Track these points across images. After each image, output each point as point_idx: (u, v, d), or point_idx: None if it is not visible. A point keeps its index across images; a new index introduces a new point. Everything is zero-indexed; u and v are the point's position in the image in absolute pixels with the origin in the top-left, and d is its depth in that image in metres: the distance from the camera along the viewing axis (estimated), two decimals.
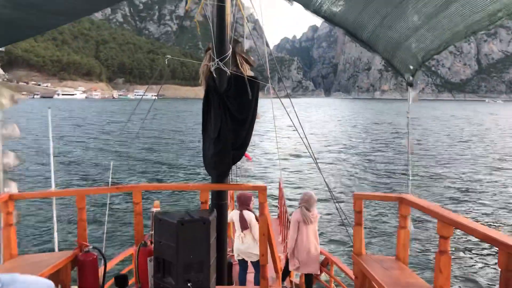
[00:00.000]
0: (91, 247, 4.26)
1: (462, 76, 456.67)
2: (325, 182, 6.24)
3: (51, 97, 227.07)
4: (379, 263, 3.93)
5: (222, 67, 4.45)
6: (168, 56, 5.60)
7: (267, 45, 5.43)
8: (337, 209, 5.88)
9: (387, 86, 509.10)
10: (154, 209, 4.59)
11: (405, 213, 3.98)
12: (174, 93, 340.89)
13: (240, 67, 4.64)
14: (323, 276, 6.73)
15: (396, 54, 4.28)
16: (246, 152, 6.36)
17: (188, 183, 19.76)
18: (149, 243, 4.24)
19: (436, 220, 3.14)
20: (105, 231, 5.62)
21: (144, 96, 7.25)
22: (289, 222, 6.78)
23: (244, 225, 6.06)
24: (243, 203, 6.13)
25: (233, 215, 6.27)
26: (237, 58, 4.66)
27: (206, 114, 4.69)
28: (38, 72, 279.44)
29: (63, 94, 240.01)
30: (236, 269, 6.76)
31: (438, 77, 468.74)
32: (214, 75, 4.49)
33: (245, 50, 4.82)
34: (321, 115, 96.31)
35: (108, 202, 8.60)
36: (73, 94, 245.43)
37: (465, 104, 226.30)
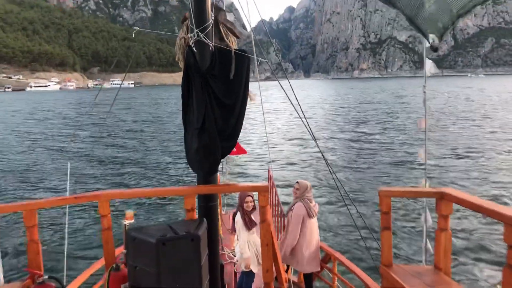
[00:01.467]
0: (46, 277, 3.41)
1: (439, 52, 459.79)
2: (329, 167, 5.41)
3: (23, 90, 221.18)
4: (417, 277, 3.24)
5: (204, 39, 3.65)
6: (136, 28, 4.88)
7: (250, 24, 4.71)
8: (344, 202, 5.98)
9: (365, 65, 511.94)
10: (127, 222, 3.79)
11: (446, 212, 3.29)
12: (151, 81, 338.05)
13: (225, 39, 3.84)
14: (325, 274, 6.14)
15: (423, 8, 3.36)
16: (239, 143, 6.16)
17: (168, 187, 16.82)
18: (122, 266, 3.39)
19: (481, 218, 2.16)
20: (65, 255, 4.62)
21: (121, 85, 6.51)
22: (283, 215, 6.46)
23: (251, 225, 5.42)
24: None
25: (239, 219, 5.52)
26: (221, 28, 3.88)
27: (186, 100, 3.85)
28: (8, 64, 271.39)
29: (35, 86, 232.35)
30: (228, 269, 6.22)
31: (416, 53, 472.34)
32: (194, 49, 3.68)
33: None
34: (305, 96, 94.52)
35: (67, 216, 7.35)
36: (46, 86, 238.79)
37: (447, 79, 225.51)
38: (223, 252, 6.55)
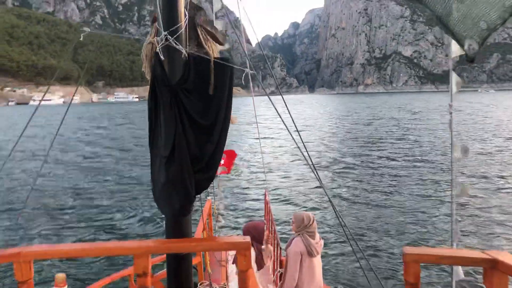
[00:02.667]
0: None
1: (444, 67, 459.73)
2: (330, 202, 4.13)
3: (27, 104, 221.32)
4: None
5: (174, 45, 2.92)
6: (86, 29, 3.63)
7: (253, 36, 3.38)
8: (347, 236, 4.82)
9: (370, 80, 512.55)
10: None
11: (500, 286, 2.44)
12: None
13: (203, 45, 3.06)
14: None
15: (460, 4, 2.35)
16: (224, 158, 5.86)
17: (114, 240, 12.49)
18: None
19: None
20: None
21: (125, 99, 4.42)
22: (279, 246, 6.13)
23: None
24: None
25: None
26: (199, 32, 3.09)
27: (153, 120, 3.09)
28: (13, 78, 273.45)
29: (39, 100, 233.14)
30: None
31: (421, 69, 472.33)
32: (161, 57, 2.95)
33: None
34: (310, 111, 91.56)
35: None
36: (49, 100, 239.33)
37: (458, 95, 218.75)
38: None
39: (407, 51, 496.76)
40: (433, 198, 16.25)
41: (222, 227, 9.87)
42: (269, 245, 5.26)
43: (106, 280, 5.17)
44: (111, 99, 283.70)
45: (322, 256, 5.04)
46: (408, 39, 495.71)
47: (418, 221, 13.47)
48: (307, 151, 3.88)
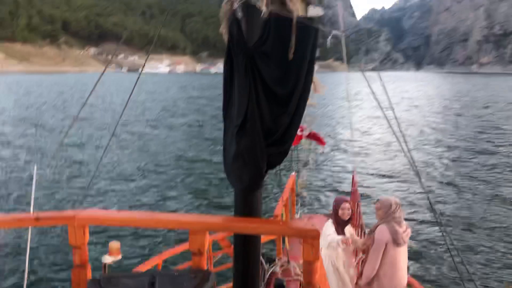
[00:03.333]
0: None
1: None
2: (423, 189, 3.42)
3: (137, 71, 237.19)
4: None
5: (253, 1, 2.71)
6: None
7: None
8: (441, 230, 4.40)
9: (487, 59, 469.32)
10: (109, 259, 3.00)
11: None
12: None
13: (287, 3, 2.64)
14: None
15: None
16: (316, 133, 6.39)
17: (175, 212, 12.20)
18: None
19: None
20: None
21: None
22: (363, 230, 5.96)
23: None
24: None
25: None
26: None
27: (228, 87, 2.94)
28: (126, 46, 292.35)
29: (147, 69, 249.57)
30: None
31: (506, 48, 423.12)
32: (239, 16, 2.76)
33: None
34: (416, 91, 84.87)
35: (28, 243, 3.97)
36: (157, 68, 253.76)
37: None
38: (288, 267, 5.48)
39: None
40: None
41: (305, 204, 9.35)
42: (355, 237, 5.06)
43: (164, 255, 5.04)
44: (213, 70, 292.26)
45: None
46: None
47: None
48: (403, 138, 3.48)
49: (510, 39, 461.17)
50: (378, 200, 4.81)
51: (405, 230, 4.59)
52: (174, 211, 12.53)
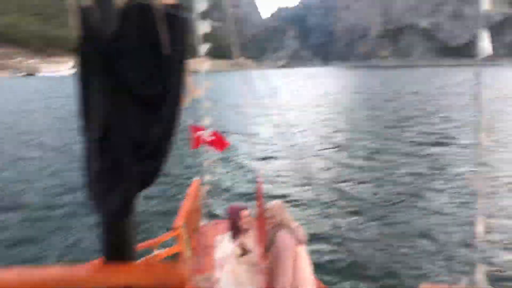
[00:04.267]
0: None
1: (462, 40, 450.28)
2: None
3: (35, 75, 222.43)
4: None
5: None
6: None
7: None
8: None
9: (385, 53, 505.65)
10: None
11: None
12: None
13: None
14: None
15: None
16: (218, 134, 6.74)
17: None
18: None
19: None
20: None
21: None
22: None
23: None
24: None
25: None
26: None
27: (84, 92, 2.23)
28: (22, 48, 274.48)
29: (47, 72, 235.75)
30: None
31: (437, 41, 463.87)
32: (89, 4, 2.13)
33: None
34: (324, 86, 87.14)
35: None
36: (57, 71, 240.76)
37: (477, 69, 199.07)
38: (192, 281, 4.81)
39: (423, 23, 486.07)
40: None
41: (210, 212, 8.68)
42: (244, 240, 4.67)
43: None
44: None
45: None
46: (425, 11, 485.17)
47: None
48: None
49: (404, 34, 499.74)
50: (266, 209, 4.57)
51: (297, 226, 4.49)
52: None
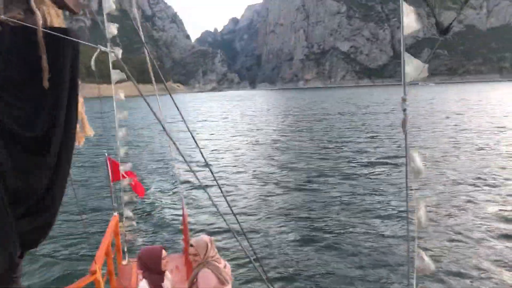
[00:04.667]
0: None
1: (380, 62, 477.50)
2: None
3: None
4: None
5: None
6: None
7: None
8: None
9: (310, 75, 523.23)
10: None
11: None
12: (90, 92, 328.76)
13: (34, 10, 1.85)
14: None
15: None
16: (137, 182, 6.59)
17: None
18: None
19: None
20: None
21: None
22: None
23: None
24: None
25: None
26: None
27: None
28: None
29: None
30: None
31: (357, 64, 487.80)
32: None
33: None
34: (253, 108, 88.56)
35: None
36: None
37: (394, 89, 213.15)
38: None
39: (344, 47, 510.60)
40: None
41: (132, 248, 8.10)
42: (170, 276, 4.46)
43: None
44: None
45: None
46: (345, 35, 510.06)
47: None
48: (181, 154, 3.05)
49: (327, 57, 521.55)
50: (191, 245, 4.12)
51: (225, 266, 4.17)
52: None
